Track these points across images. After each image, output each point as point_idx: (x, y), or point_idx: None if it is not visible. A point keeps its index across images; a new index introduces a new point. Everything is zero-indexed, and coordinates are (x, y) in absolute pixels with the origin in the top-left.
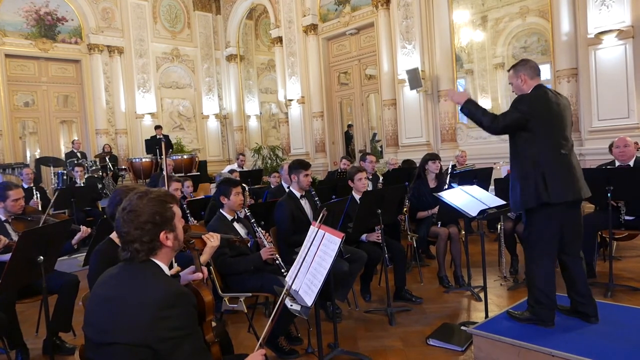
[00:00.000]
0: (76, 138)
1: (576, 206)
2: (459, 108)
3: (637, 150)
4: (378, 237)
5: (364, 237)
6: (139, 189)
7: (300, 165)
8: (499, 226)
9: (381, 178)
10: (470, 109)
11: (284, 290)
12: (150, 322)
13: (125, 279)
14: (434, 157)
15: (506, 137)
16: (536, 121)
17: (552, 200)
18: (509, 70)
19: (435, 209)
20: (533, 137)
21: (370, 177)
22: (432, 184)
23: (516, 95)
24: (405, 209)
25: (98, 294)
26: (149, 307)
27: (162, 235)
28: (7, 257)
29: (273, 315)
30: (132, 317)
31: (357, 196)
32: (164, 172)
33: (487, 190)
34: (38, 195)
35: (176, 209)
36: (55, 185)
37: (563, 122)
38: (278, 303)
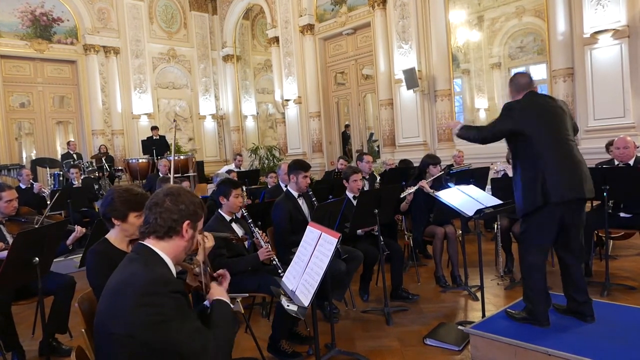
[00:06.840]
0: (72, 139)
1: (579, 204)
2: (455, 134)
3: (637, 148)
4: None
5: (359, 230)
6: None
7: (300, 167)
8: (495, 225)
9: (378, 178)
10: (463, 133)
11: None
12: (133, 310)
13: (125, 269)
14: (435, 160)
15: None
16: (529, 126)
17: (551, 200)
18: None
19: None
20: (530, 140)
21: (367, 177)
22: (428, 184)
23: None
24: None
25: (107, 284)
26: (132, 295)
27: (186, 223)
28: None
29: None
30: (121, 306)
31: (350, 195)
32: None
33: (484, 190)
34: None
35: (202, 219)
36: (52, 186)
37: (558, 121)
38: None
